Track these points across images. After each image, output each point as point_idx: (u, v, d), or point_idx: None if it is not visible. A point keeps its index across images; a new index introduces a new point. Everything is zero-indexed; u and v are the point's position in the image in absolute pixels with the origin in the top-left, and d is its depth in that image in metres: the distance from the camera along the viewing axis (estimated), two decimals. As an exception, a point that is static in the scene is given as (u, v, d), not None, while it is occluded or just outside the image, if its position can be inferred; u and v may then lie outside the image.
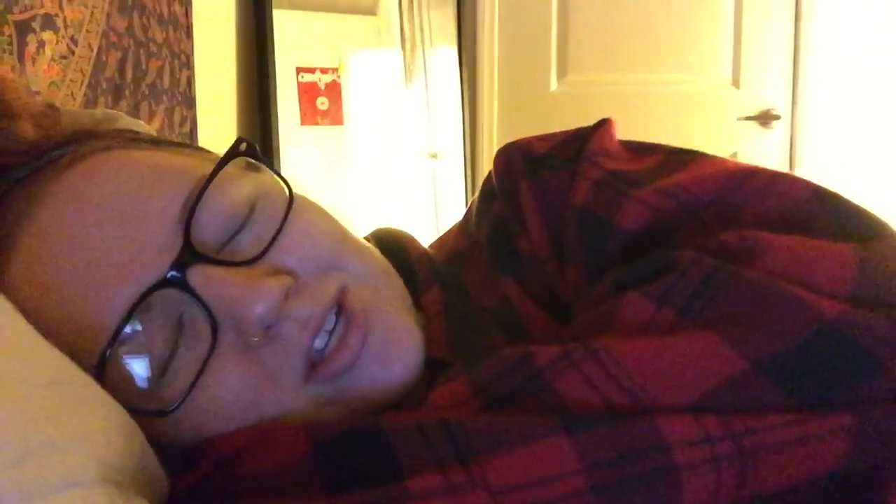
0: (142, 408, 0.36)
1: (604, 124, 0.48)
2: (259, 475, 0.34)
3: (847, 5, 2.46)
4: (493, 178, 0.50)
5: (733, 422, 0.31)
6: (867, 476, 0.31)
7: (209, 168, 0.40)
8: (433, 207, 2.66)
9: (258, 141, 1.80)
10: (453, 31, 2.39)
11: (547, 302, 0.45)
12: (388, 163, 2.75)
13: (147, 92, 1.20)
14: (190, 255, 0.37)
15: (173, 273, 0.37)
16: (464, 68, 2.37)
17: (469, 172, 2.39)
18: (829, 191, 0.40)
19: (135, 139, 0.44)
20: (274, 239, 0.39)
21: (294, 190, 0.42)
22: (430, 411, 0.36)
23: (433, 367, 0.42)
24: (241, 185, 0.40)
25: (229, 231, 0.40)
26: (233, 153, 0.41)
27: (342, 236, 0.44)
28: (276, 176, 0.42)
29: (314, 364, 0.39)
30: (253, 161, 0.42)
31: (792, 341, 0.33)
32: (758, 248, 0.36)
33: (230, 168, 0.40)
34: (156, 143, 0.44)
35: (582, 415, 0.33)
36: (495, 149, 2.05)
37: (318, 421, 0.38)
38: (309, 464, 0.34)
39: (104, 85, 1.06)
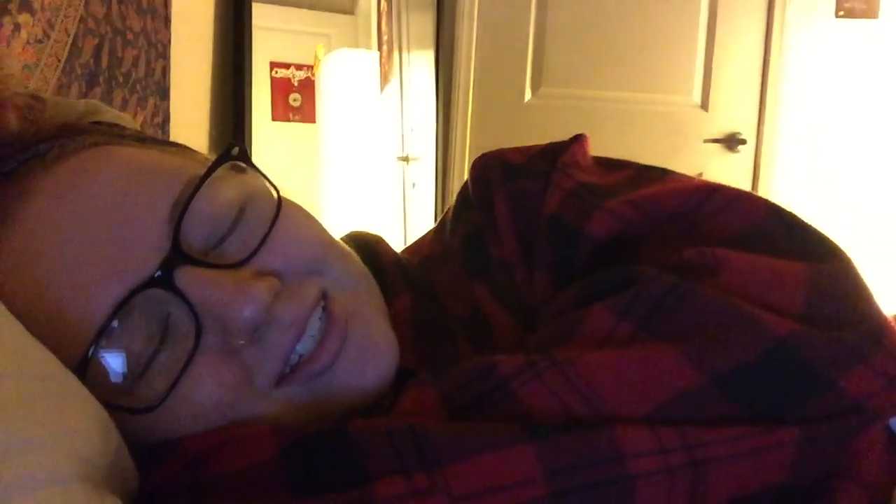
0: (121, 405, 0.36)
1: (578, 139, 0.50)
2: (226, 475, 0.34)
3: (815, 39, 2.53)
4: (469, 187, 0.51)
5: (687, 433, 0.33)
6: (813, 489, 0.33)
7: (198, 168, 0.40)
8: (402, 211, 2.66)
9: (230, 134, 1.79)
10: (431, 36, 2.39)
11: (515, 307, 0.47)
12: (358, 164, 2.74)
13: (121, 80, 1.19)
14: (178, 256, 0.37)
15: (160, 273, 0.37)
16: (440, 74, 2.38)
17: (440, 178, 2.40)
18: (788, 211, 0.42)
19: (122, 136, 0.44)
20: (262, 243, 0.40)
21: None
22: (398, 418, 0.37)
23: (400, 374, 0.42)
24: (230, 188, 0.40)
25: (217, 233, 0.40)
26: (225, 157, 0.41)
27: (326, 240, 0.44)
28: (264, 179, 0.43)
29: (292, 367, 0.40)
30: (242, 164, 0.42)
31: (746, 357, 0.34)
32: (717, 265, 0.38)
33: (219, 170, 0.40)
34: (142, 140, 0.44)
35: (544, 424, 0.34)
36: (468, 156, 2.06)
37: (289, 424, 0.38)
38: (276, 466, 0.34)
39: (78, 71, 1.04)
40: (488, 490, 0.32)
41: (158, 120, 1.34)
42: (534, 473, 0.32)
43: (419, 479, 0.32)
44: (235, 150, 0.41)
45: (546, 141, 0.51)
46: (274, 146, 2.36)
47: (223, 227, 0.40)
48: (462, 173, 2.35)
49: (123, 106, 1.20)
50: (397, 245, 0.56)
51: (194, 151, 0.47)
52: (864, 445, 0.34)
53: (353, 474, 0.33)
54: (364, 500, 0.32)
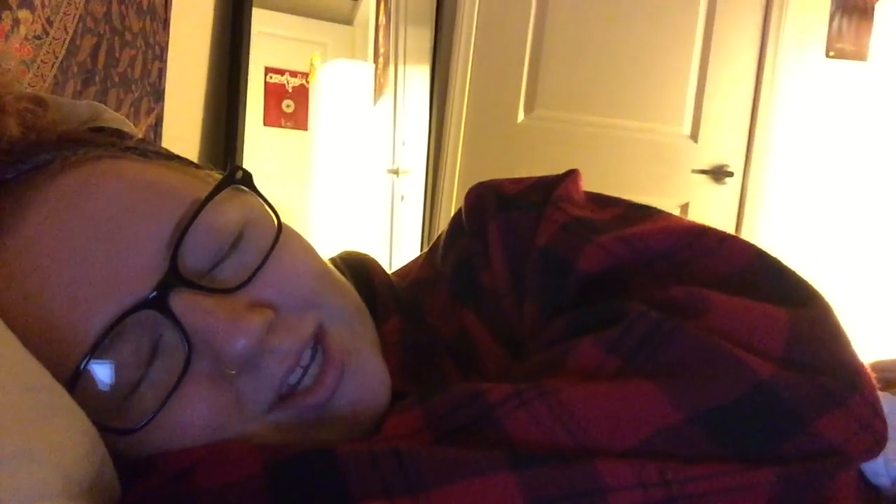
0: (108, 424, 0.36)
1: (571, 174, 0.51)
2: (208, 491, 0.34)
3: (806, 78, 2.57)
4: (463, 215, 0.52)
5: (666, 469, 0.33)
6: None
7: (200, 188, 0.40)
8: (389, 223, 2.66)
9: (222, 137, 1.79)
10: (428, 51, 2.41)
11: (503, 335, 0.47)
12: (348, 174, 2.74)
13: (117, 80, 1.18)
14: (174, 278, 0.37)
15: (155, 294, 0.37)
16: (434, 89, 2.39)
17: (429, 192, 2.40)
18: (772, 256, 0.43)
19: (125, 148, 0.44)
20: (259, 269, 0.40)
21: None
22: (383, 441, 0.37)
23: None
24: (230, 212, 0.40)
25: (216, 257, 0.40)
26: (228, 181, 0.41)
27: (323, 273, 0.44)
28: (265, 204, 0.43)
29: (283, 396, 0.40)
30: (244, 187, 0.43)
31: (727, 397, 0.35)
32: (702, 306, 0.39)
33: (222, 193, 0.40)
34: (144, 153, 0.44)
35: (527, 453, 0.34)
36: (458, 172, 2.07)
37: (276, 444, 0.38)
38: (258, 483, 0.34)
39: (75, 69, 1.04)
40: None
41: (151, 121, 1.33)
42: (516, 502, 0.32)
43: (402, 503, 0.32)
44: (239, 174, 0.42)
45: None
46: (264, 151, 2.35)
47: (222, 250, 0.40)
48: (452, 189, 2.36)
49: (118, 107, 1.19)
50: (383, 257, 0.57)
51: (197, 166, 0.47)
52: (838, 490, 0.34)
53: (336, 495, 0.33)
54: None
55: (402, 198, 2.64)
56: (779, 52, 2.53)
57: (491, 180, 0.52)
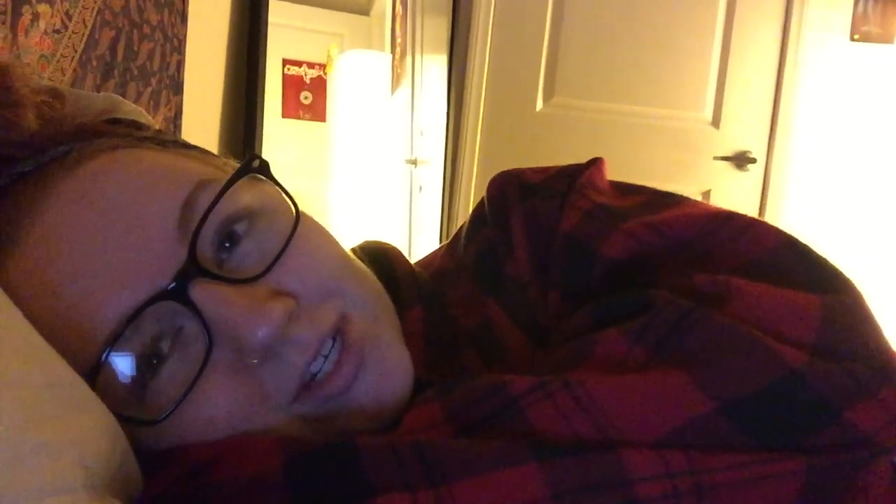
0: (129, 416, 0.36)
1: (595, 162, 0.50)
2: (229, 485, 0.34)
3: (830, 61, 2.53)
4: (486, 204, 0.52)
5: (694, 458, 0.33)
6: None
7: (214, 172, 0.40)
8: (407, 214, 2.66)
9: (241, 130, 1.79)
10: (445, 41, 2.40)
11: (527, 325, 0.47)
12: (366, 164, 2.74)
13: (136, 73, 1.19)
14: (193, 268, 0.37)
15: (175, 285, 0.37)
16: (452, 79, 2.38)
17: (448, 182, 2.40)
18: (801, 242, 0.42)
19: (142, 138, 0.43)
20: (278, 257, 0.40)
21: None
22: (405, 434, 0.37)
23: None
24: (247, 198, 0.40)
25: (233, 243, 0.39)
26: (245, 169, 0.41)
27: (344, 261, 0.44)
28: (283, 193, 0.42)
29: (306, 385, 0.39)
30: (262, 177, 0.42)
31: (756, 386, 0.34)
32: (729, 294, 0.38)
33: (239, 180, 0.40)
34: (162, 142, 0.44)
35: (551, 444, 0.33)
36: (476, 161, 2.06)
37: (299, 437, 0.38)
38: (280, 476, 0.34)
39: (94, 62, 1.05)
40: None
41: (171, 114, 1.34)
42: (540, 494, 0.32)
43: (424, 496, 0.32)
44: (257, 162, 0.41)
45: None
46: (283, 143, 2.37)
47: (240, 236, 0.40)
48: (470, 179, 2.35)
49: (137, 99, 1.20)
50: (402, 248, 0.56)
51: (215, 156, 0.46)
52: (869, 480, 0.34)
53: (357, 488, 0.33)
54: None
55: (421, 188, 2.64)
56: (802, 35, 2.49)
57: (513, 169, 0.52)
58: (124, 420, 0.35)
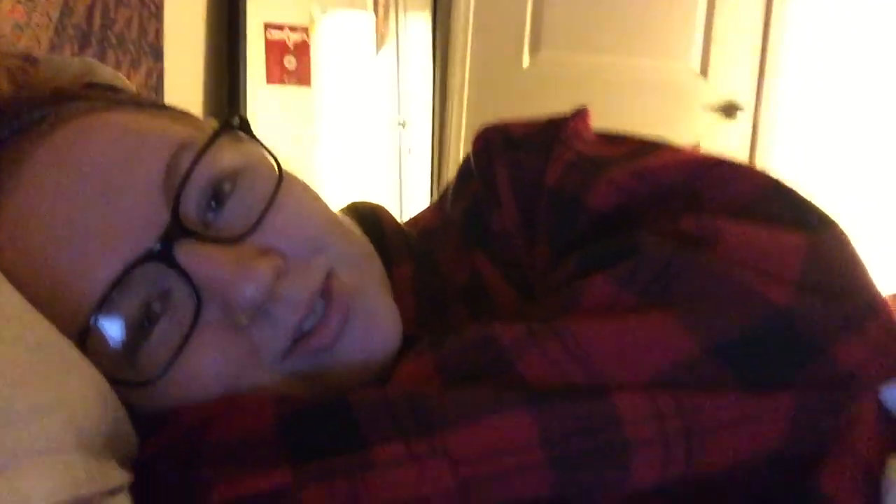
0: (121, 378, 0.36)
1: (580, 113, 0.50)
2: (224, 443, 0.35)
3: (818, 5, 2.50)
4: (471, 159, 0.51)
5: (683, 400, 0.33)
6: (807, 457, 0.33)
7: (194, 134, 0.40)
8: (398, 176, 2.64)
9: (225, 97, 1.77)
10: (428, -3, 2.36)
11: (515, 277, 0.47)
12: (354, 128, 2.72)
13: (114, 41, 1.17)
14: (177, 228, 0.37)
15: (160, 247, 0.36)
16: (437, 37, 2.34)
17: (436, 143, 2.38)
18: (786, 184, 0.42)
19: (119, 101, 0.43)
20: (262, 216, 0.39)
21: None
22: (396, 387, 0.37)
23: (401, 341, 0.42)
24: (229, 158, 0.40)
25: (217, 205, 0.39)
26: (225, 128, 0.40)
27: (329, 217, 0.44)
28: (265, 150, 0.42)
29: (295, 342, 0.40)
30: (242, 134, 0.42)
31: (742, 325, 0.35)
32: (714, 235, 0.38)
33: (219, 139, 0.40)
34: (138, 104, 0.43)
35: (542, 390, 0.34)
36: (464, 121, 2.04)
37: (291, 395, 0.38)
38: (274, 433, 0.34)
39: (70, 31, 1.03)
40: (488, 454, 0.32)
41: (153, 82, 1.32)
42: (532, 439, 0.32)
43: (418, 444, 0.32)
44: (236, 120, 0.41)
45: (544, 105, 0.51)
46: (269, 109, 2.34)
47: (223, 196, 0.39)
48: (459, 139, 2.33)
49: (116, 68, 1.18)
50: (392, 210, 0.56)
51: (194, 116, 0.46)
52: (856, 415, 0.34)
53: (351, 441, 0.33)
54: (363, 465, 0.32)
55: (410, 150, 2.62)
56: (789, -21, 2.45)
57: (498, 122, 0.51)
58: (116, 383, 0.35)
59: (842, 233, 0.39)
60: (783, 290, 0.35)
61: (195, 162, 0.38)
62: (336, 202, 0.48)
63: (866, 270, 0.38)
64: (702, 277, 0.36)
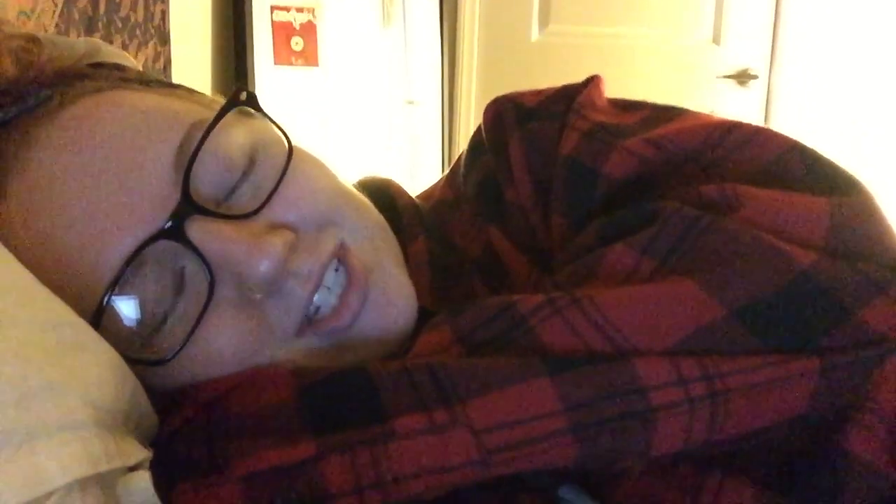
0: (136, 356, 0.36)
1: (593, 80, 0.49)
2: (244, 416, 0.35)
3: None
4: (483, 131, 0.51)
5: (707, 364, 0.33)
6: (832, 420, 0.33)
7: (203, 112, 0.39)
8: (409, 155, 2.63)
9: (233, 79, 1.76)
10: (435, -28, 2.33)
11: (530, 250, 0.46)
12: (364, 107, 2.71)
13: (120, 25, 1.16)
14: (188, 206, 0.37)
15: (171, 224, 0.36)
16: (444, 13, 2.32)
17: (446, 120, 2.36)
18: (808, 147, 0.41)
19: (125, 79, 0.42)
20: (274, 191, 0.39)
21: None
22: (416, 358, 0.37)
23: (417, 316, 0.42)
24: (239, 133, 0.39)
25: (227, 181, 0.39)
26: (234, 102, 0.40)
27: (341, 190, 0.43)
28: (274, 126, 0.42)
29: (310, 318, 0.39)
30: (250, 109, 0.41)
31: (767, 289, 0.34)
32: (737, 201, 0.37)
33: (228, 116, 0.39)
34: (146, 83, 0.43)
35: (563, 358, 0.33)
36: (474, 97, 2.02)
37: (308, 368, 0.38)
38: (295, 405, 0.34)
39: (76, 16, 1.02)
40: (510, 423, 0.32)
41: (160, 65, 1.32)
42: (554, 407, 0.32)
43: (439, 415, 0.32)
44: (244, 95, 0.40)
45: (555, 80, 0.50)
46: (277, 91, 2.34)
47: (233, 173, 0.39)
48: (468, 116, 2.32)
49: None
50: (404, 187, 0.56)
51: (201, 94, 0.46)
52: (883, 377, 0.33)
53: (372, 412, 0.33)
54: (384, 436, 0.32)
55: (420, 127, 2.60)
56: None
57: (510, 93, 0.50)
58: (132, 362, 0.35)
59: (867, 193, 0.39)
60: (809, 254, 0.35)
61: (204, 139, 0.38)
62: (347, 181, 0.47)
63: (893, 232, 0.38)
64: (724, 243, 0.36)
